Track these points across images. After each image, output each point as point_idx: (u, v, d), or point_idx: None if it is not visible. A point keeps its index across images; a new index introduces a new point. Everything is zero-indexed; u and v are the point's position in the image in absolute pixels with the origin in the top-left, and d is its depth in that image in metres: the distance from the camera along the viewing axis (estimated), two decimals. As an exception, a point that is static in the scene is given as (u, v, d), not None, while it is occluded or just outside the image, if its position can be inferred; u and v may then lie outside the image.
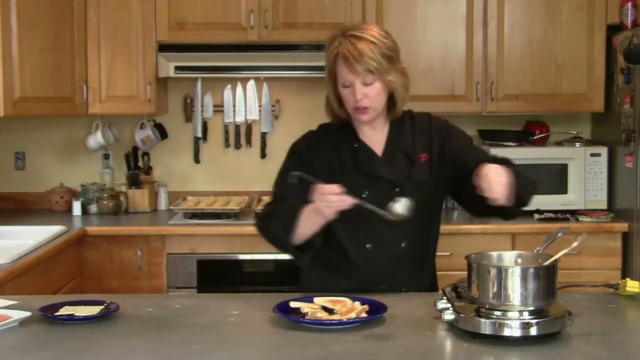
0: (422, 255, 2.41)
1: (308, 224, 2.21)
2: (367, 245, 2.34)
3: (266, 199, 4.28)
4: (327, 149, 2.38)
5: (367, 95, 2.28)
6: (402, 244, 2.35)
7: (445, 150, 2.38)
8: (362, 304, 2.09)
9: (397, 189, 2.32)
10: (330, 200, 2.11)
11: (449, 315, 1.92)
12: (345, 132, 2.40)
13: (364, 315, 2.03)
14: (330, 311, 2.08)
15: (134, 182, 4.31)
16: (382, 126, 2.41)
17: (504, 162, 2.25)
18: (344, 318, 2.00)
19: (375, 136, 2.40)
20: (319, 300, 2.13)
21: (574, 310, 1.94)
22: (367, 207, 2.13)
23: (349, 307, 2.08)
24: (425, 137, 2.39)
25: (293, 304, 2.10)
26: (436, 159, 2.37)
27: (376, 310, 2.05)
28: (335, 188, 2.12)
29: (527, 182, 2.27)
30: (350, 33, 2.28)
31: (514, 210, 2.25)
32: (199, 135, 4.47)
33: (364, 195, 2.28)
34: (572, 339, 1.86)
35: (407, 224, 2.25)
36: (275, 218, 2.29)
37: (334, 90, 2.34)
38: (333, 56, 2.29)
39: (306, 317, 2.03)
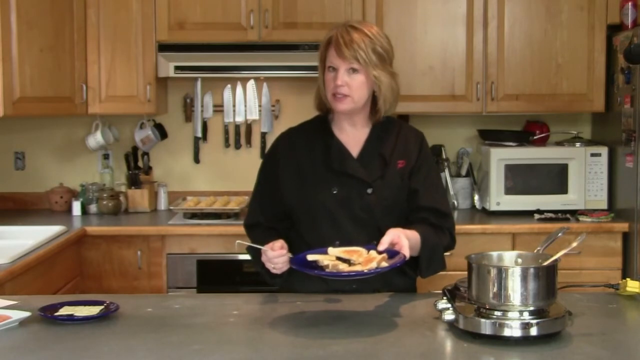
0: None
1: (268, 271, 2.28)
2: (336, 243, 2.30)
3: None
4: (300, 148, 2.42)
5: (348, 84, 2.31)
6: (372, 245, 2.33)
7: (412, 172, 2.40)
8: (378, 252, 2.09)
9: (368, 189, 2.33)
10: (275, 263, 2.20)
11: (449, 316, 1.92)
12: (323, 130, 2.44)
13: (384, 264, 2.03)
14: (347, 262, 2.07)
15: (133, 182, 4.31)
16: (363, 126, 2.43)
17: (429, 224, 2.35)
18: (365, 269, 2.00)
19: (354, 135, 2.42)
20: (334, 251, 2.11)
21: (574, 310, 1.94)
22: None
23: (366, 257, 2.07)
24: (406, 148, 2.41)
25: (311, 257, 2.09)
26: (407, 171, 2.39)
27: (396, 259, 2.06)
28: (278, 250, 2.19)
29: (434, 253, 2.33)
30: (350, 24, 2.34)
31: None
32: (199, 135, 4.47)
33: (334, 192, 2.33)
34: (573, 339, 1.86)
35: (378, 225, 2.29)
36: (250, 248, 2.35)
37: (323, 77, 2.37)
38: (326, 41, 2.34)
39: (327, 270, 2.03)
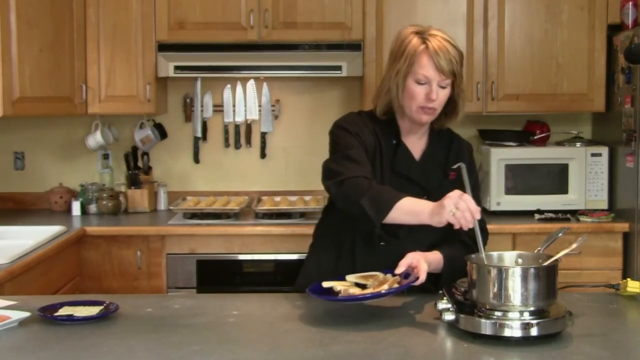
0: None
1: (408, 215, 2.13)
2: (382, 243, 2.29)
3: (266, 198, 4.28)
4: (370, 137, 2.34)
5: (439, 97, 2.27)
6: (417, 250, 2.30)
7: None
8: (393, 276, 2.13)
9: (425, 197, 2.28)
10: (467, 215, 2.01)
11: (449, 316, 1.91)
12: (388, 127, 2.38)
13: (396, 286, 2.06)
14: (363, 287, 2.12)
15: (133, 182, 4.31)
16: (424, 134, 2.41)
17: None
18: (375, 291, 2.04)
19: (415, 142, 2.40)
20: (351, 278, 2.17)
21: (574, 310, 1.94)
22: (476, 233, 2.04)
23: (380, 280, 2.12)
24: (457, 160, 2.34)
25: (326, 284, 2.14)
26: (458, 184, 2.28)
27: (410, 278, 2.08)
28: (477, 208, 2.05)
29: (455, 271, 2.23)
30: (438, 34, 2.27)
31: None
32: (199, 135, 4.47)
33: None
34: (573, 340, 1.86)
35: (429, 234, 2.26)
36: (366, 194, 2.15)
37: (402, 84, 2.28)
38: (421, 49, 2.24)
39: (339, 295, 2.07)
